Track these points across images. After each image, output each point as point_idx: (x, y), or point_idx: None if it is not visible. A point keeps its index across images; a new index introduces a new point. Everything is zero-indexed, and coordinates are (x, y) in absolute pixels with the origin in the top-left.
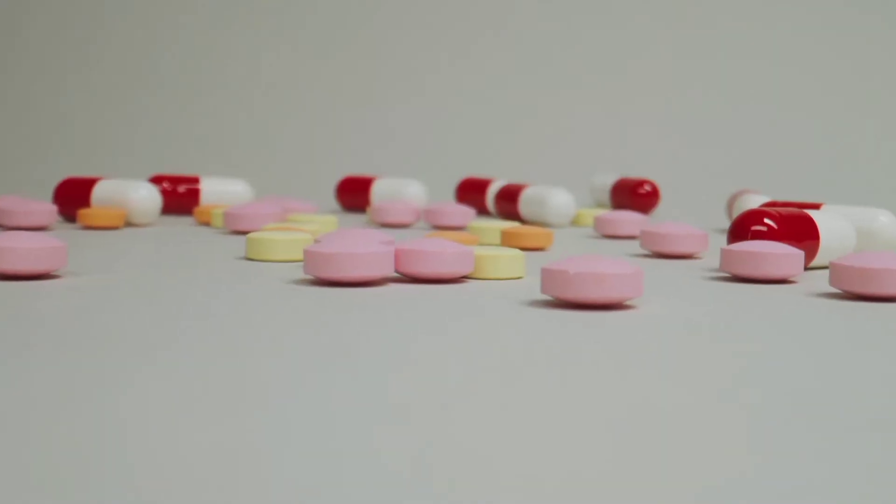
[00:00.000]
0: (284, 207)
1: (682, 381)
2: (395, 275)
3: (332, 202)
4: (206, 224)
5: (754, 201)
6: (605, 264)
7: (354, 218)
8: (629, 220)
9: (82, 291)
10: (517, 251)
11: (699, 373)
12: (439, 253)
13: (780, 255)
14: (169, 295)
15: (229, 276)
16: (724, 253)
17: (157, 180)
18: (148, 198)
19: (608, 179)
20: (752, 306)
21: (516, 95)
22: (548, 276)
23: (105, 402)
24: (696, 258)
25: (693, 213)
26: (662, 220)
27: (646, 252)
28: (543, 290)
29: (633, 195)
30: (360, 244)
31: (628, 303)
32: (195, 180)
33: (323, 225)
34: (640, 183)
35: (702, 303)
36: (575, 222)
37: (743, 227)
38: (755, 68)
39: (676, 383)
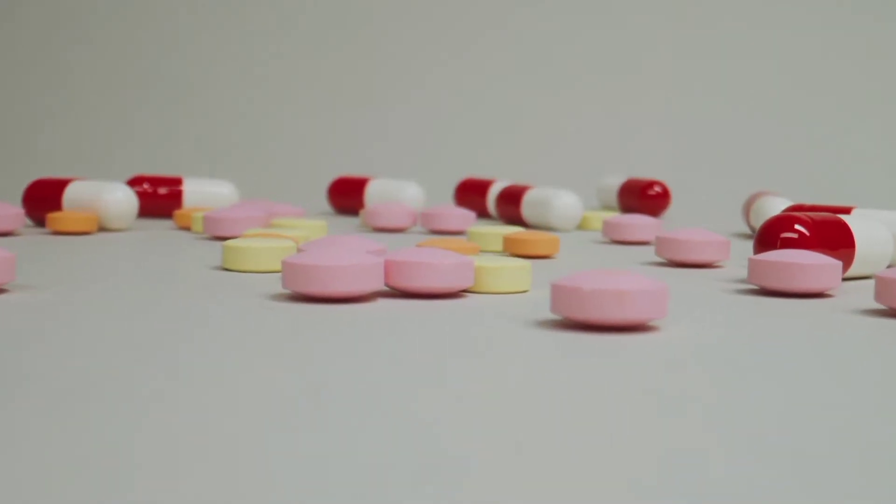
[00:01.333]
0: (269, 211)
1: (713, 424)
2: (386, 289)
3: (325, 204)
4: (187, 229)
5: (775, 204)
6: (625, 280)
7: (347, 221)
8: (641, 224)
9: (25, 309)
10: (522, 262)
11: (734, 413)
12: (435, 265)
13: (816, 265)
14: (124, 313)
15: (199, 291)
16: (752, 264)
17: (136, 181)
18: (123, 200)
19: (615, 180)
20: (790, 327)
21: (518, 92)
22: (559, 294)
23: (34, 451)
24: (716, 267)
25: (705, 217)
26: (675, 224)
27: (661, 260)
28: (553, 310)
29: (643, 197)
30: (345, 254)
31: (650, 324)
32: (177, 181)
33: (310, 230)
34: (650, 184)
35: (732, 323)
36: (581, 226)
37: (771, 234)
38: (765, 66)
39: (707, 426)
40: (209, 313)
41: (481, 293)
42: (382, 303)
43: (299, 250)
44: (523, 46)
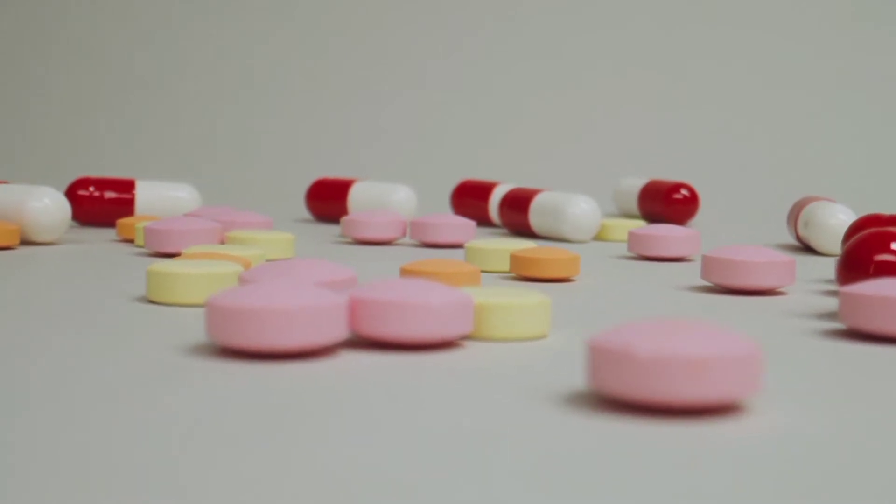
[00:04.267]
0: (228, 221)
1: None
2: (354, 338)
3: (304, 211)
4: (130, 241)
5: (833, 212)
6: (699, 338)
7: (325, 232)
8: (675, 237)
9: None
10: (538, 297)
11: None
12: (418, 305)
13: None
14: None
15: (103, 334)
16: (847, 300)
17: (80, 184)
18: (51, 209)
19: (635, 183)
20: None
21: (524, 84)
22: (600, 361)
23: None
24: (778, 293)
25: (740, 225)
26: (709, 234)
27: (706, 283)
28: (592, 382)
29: (668, 201)
30: (293, 290)
31: (731, 398)
32: (129, 185)
33: (272, 247)
34: (676, 186)
35: (849, 395)
36: (599, 236)
37: (862, 258)
38: (791, 59)
39: None
40: (101, 374)
41: (483, 340)
42: (345, 359)
43: (241, 279)
44: (530, 34)
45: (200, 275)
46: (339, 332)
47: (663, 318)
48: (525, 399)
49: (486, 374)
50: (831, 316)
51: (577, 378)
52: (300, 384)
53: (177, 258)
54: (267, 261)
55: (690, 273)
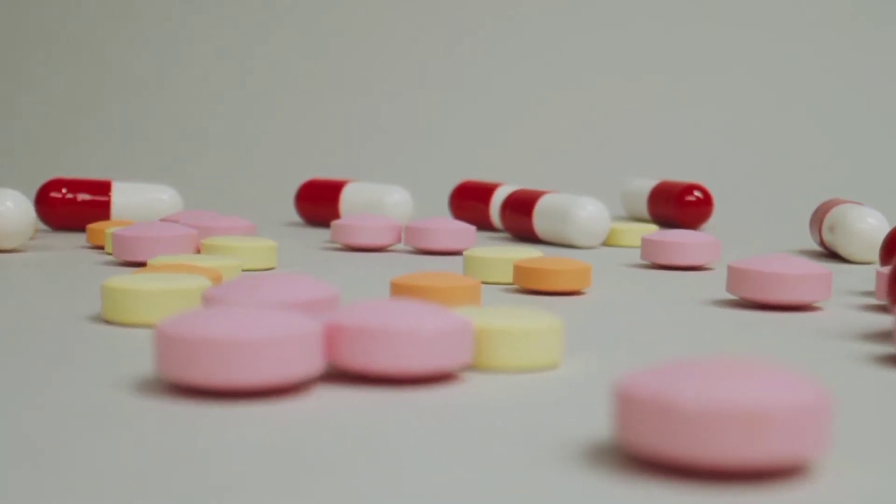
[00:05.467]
0: (206, 227)
1: None
2: (331, 370)
3: (294, 214)
4: (101, 248)
5: (862, 216)
6: (754, 382)
7: (314, 237)
8: (694, 243)
9: None
10: (548, 320)
11: None
12: (408, 333)
13: None
14: None
15: (41, 361)
16: None
17: (51, 186)
18: (14, 213)
19: (645, 184)
20: None
21: (525, 81)
22: (632, 410)
23: None
24: (814, 309)
25: (754, 228)
26: (725, 238)
27: (731, 297)
28: (622, 436)
29: (679, 203)
30: (259, 314)
31: (795, 458)
32: (105, 187)
33: (250, 256)
34: (689, 188)
35: None
36: (607, 242)
37: None
38: (804, 58)
39: None
40: (15, 416)
41: (485, 371)
42: (320, 397)
43: (204, 298)
44: (532, 29)
45: (158, 292)
46: (313, 365)
47: (705, 355)
48: (535, 450)
49: (488, 415)
50: (881, 337)
51: (597, 422)
52: (265, 428)
53: (138, 271)
54: (244, 271)
55: (711, 284)
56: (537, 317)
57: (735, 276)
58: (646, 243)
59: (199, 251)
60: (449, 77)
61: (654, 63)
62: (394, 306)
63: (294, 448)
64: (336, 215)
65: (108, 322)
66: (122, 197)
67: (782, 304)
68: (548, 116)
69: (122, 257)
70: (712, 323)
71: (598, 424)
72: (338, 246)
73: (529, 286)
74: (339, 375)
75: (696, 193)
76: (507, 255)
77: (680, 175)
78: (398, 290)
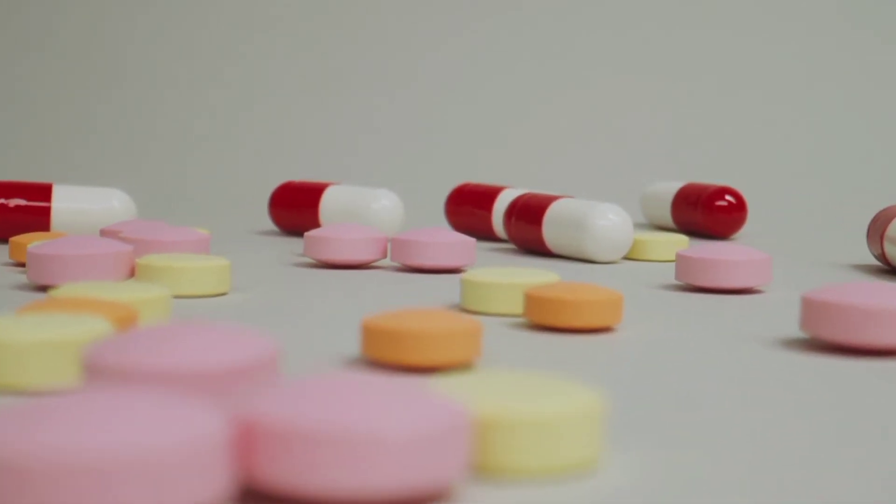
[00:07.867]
0: (148, 240)
1: None
2: (249, 489)
3: (268, 221)
4: (23, 265)
5: None
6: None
7: (289, 248)
8: (739, 261)
9: None
10: (581, 399)
11: None
12: (365, 440)
13: None
14: None
15: None
16: None
17: None
18: None
19: (668, 187)
20: None
21: (530, 77)
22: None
23: None
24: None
25: (788, 238)
26: (766, 249)
27: (799, 335)
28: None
29: (709, 209)
30: (129, 407)
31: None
32: (45, 191)
33: (196, 278)
34: (719, 192)
35: None
36: (629, 255)
37: None
38: (835, 56)
39: None
40: None
41: (489, 477)
42: None
43: (83, 364)
44: (537, 21)
45: (26, 345)
46: (216, 487)
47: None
48: None
49: None
50: None
51: None
52: None
53: (29, 306)
54: (178, 298)
55: (772, 316)
56: (564, 395)
57: (817, 311)
58: (683, 261)
59: (132, 273)
60: (445, 70)
61: (665, 60)
62: (347, 389)
63: None
64: (315, 223)
65: None
66: (65, 203)
67: (868, 348)
68: (557, 112)
69: (36, 280)
70: (790, 376)
71: None
72: (311, 262)
73: (544, 321)
74: (260, 499)
75: (728, 198)
76: (514, 279)
77: (699, 178)
78: (370, 336)
